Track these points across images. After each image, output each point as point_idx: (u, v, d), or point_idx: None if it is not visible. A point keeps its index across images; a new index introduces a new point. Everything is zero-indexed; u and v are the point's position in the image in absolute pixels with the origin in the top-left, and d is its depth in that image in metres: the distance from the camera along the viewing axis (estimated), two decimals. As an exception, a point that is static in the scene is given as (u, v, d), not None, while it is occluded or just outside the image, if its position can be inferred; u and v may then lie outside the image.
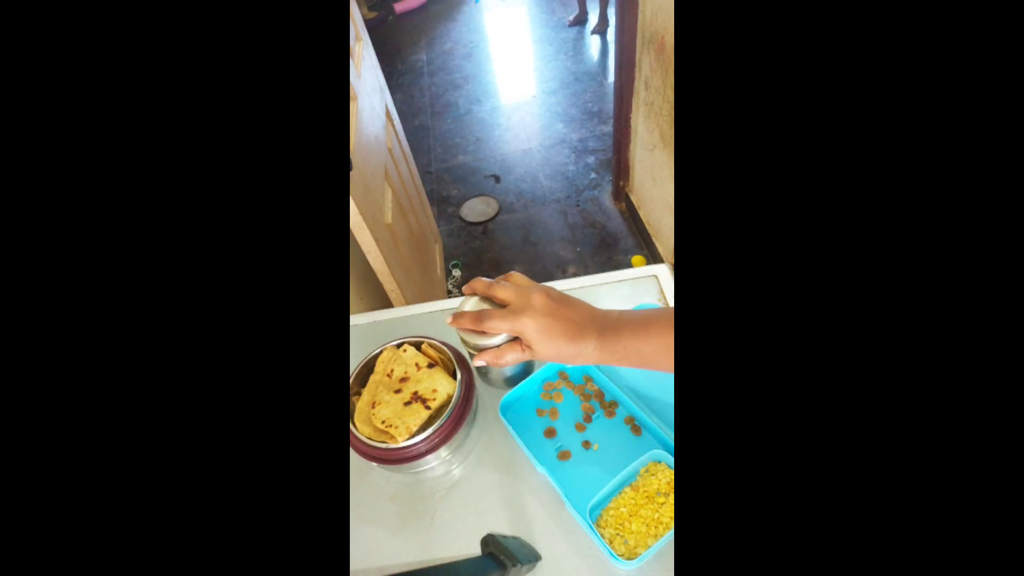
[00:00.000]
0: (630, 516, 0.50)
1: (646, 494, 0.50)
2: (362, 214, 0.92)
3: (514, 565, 0.42)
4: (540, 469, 0.53)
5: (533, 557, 0.47)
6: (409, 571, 0.37)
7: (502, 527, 0.52)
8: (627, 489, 0.51)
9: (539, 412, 0.60)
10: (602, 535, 0.49)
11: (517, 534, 0.50)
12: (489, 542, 0.44)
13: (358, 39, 1.26)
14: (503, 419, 0.57)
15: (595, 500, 0.50)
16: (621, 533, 0.49)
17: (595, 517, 0.51)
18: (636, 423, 0.57)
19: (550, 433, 0.58)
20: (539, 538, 0.50)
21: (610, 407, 0.59)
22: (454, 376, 0.56)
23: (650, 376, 0.59)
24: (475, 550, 0.45)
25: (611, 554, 0.46)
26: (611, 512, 0.50)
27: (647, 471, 0.52)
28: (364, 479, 0.57)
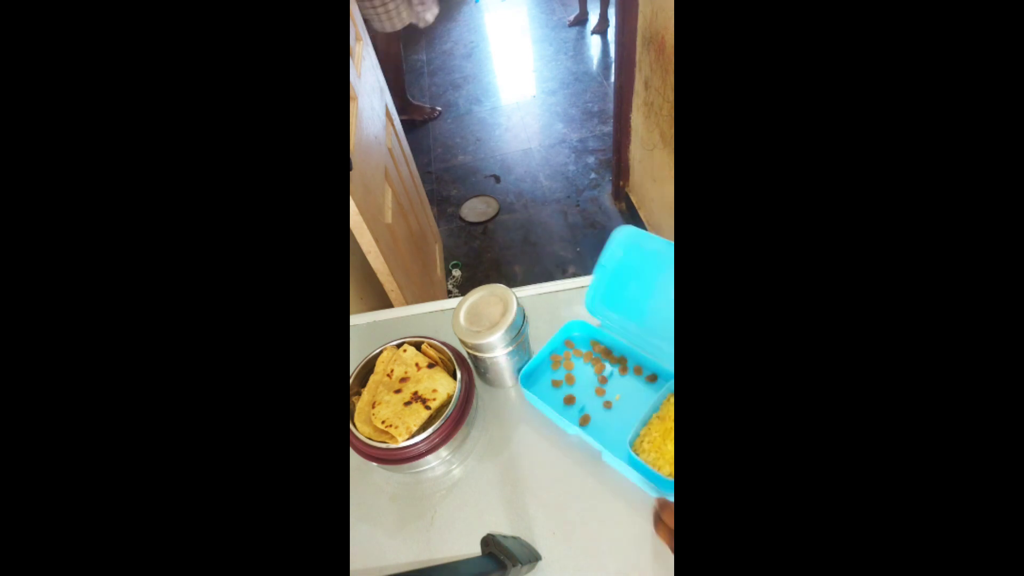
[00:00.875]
0: (663, 440, 0.51)
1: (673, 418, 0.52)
2: (362, 214, 0.92)
3: (514, 565, 0.42)
4: (572, 431, 0.55)
5: (533, 557, 0.47)
6: (409, 571, 0.37)
7: (502, 527, 0.52)
8: (654, 419, 0.53)
9: (555, 383, 0.61)
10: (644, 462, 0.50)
11: (517, 534, 0.50)
12: (489, 542, 0.44)
13: (358, 39, 1.26)
14: (524, 389, 0.58)
15: (631, 435, 0.52)
16: (661, 456, 0.50)
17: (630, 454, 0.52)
18: (649, 372, 0.59)
19: (569, 400, 0.59)
20: (539, 538, 0.50)
21: (622, 362, 0.60)
22: (454, 376, 0.56)
23: (654, 306, 0.59)
24: (475, 550, 0.45)
25: (658, 478, 0.48)
26: (645, 442, 0.52)
27: (668, 401, 0.54)
28: (364, 479, 0.57)
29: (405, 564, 0.51)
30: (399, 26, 2.05)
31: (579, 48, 3.15)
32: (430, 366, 0.58)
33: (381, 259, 1.03)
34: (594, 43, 3.16)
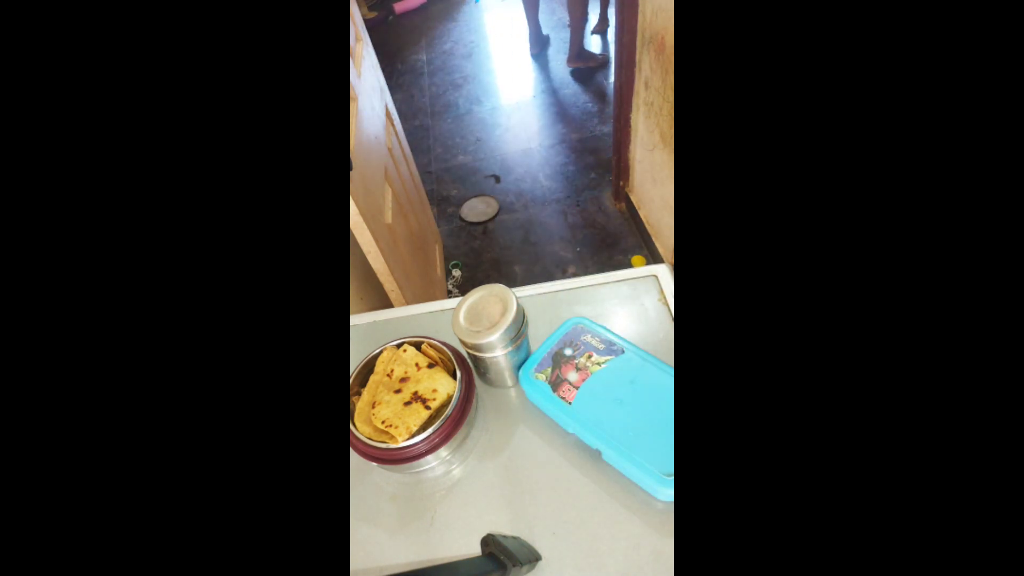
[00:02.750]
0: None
1: None
2: (362, 214, 0.92)
3: (514, 565, 0.42)
4: (572, 430, 0.55)
5: (533, 557, 0.47)
6: (409, 571, 0.37)
7: (502, 527, 0.52)
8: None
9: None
10: None
11: (517, 534, 0.50)
12: (489, 542, 0.44)
13: (358, 39, 1.26)
14: (524, 389, 0.58)
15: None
16: None
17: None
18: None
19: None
20: (539, 538, 0.50)
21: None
22: (454, 376, 0.56)
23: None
24: (475, 550, 0.45)
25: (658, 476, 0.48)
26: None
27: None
28: (364, 479, 0.57)
29: (405, 564, 0.51)
30: None
31: (579, 48, 3.14)
32: (430, 366, 0.58)
33: (381, 259, 1.03)
34: (594, 43, 3.16)
